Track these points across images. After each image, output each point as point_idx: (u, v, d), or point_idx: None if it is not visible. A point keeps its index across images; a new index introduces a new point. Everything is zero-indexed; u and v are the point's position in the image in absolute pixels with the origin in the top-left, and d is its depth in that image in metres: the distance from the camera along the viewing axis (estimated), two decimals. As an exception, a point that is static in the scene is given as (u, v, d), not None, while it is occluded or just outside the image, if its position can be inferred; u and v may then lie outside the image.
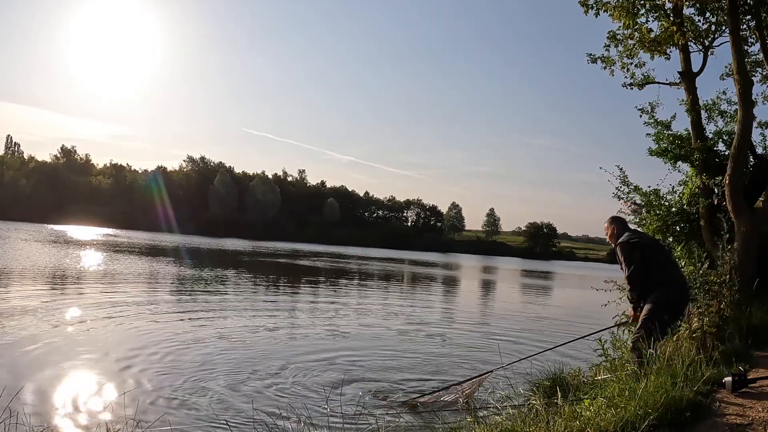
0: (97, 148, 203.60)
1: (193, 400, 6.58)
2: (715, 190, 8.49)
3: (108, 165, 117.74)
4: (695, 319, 5.81)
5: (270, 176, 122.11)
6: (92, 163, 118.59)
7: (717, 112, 9.70)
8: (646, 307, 5.15)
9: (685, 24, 9.33)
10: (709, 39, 9.64)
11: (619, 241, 5.40)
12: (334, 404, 6.14)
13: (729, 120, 9.46)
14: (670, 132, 9.46)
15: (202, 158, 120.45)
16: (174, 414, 6.02)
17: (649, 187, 9.04)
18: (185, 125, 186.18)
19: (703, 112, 9.50)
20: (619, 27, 9.63)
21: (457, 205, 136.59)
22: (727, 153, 8.63)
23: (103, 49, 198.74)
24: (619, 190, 8.98)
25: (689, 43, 9.48)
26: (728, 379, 4.42)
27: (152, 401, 6.44)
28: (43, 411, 5.82)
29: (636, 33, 9.63)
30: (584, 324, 15.72)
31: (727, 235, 6.76)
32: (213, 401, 6.56)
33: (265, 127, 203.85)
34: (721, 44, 9.60)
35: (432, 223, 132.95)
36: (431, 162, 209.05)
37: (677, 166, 9.42)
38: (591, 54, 10.34)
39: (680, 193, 9.24)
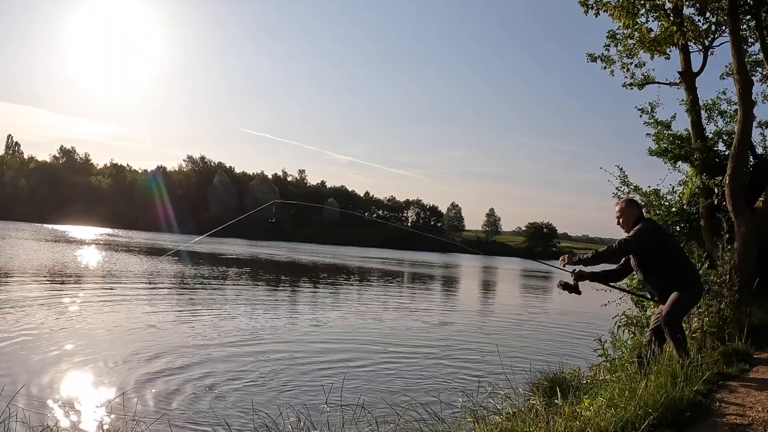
0: (97, 148, 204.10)
1: (193, 400, 6.58)
2: (715, 190, 8.48)
3: (108, 165, 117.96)
4: (695, 319, 5.81)
5: (270, 176, 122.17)
6: (92, 163, 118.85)
7: (717, 112, 9.69)
8: (675, 306, 4.78)
9: (685, 24, 9.32)
10: (709, 39, 9.63)
11: (639, 226, 4.93)
12: (334, 403, 6.14)
13: (729, 120, 9.45)
14: (670, 132, 9.46)
15: (202, 158, 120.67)
16: (174, 413, 6.02)
17: (649, 187, 9.05)
18: (185, 125, 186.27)
19: (703, 112, 9.50)
20: (619, 26, 9.62)
21: (457, 205, 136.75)
22: (727, 153, 8.62)
23: (103, 49, 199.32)
24: (619, 190, 8.98)
25: (689, 43, 9.47)
26: None
27: (152, 401, 6.44)
28: (43, 411, 5.82)
29: (636, 33, 9.62)
30: (584, 324, 15.72)
31: (727, 235, 6.76)
32: (213, 400, 6.56)
33: (264, 128, 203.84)
34: (721, 44, 9.59)
35: (432, 223, 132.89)
36: (430, 162, 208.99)
37: (677, 166, 9.42)
38: (591, 54, 10.33)
39: (680, 193, 9.24)
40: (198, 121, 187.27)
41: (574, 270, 5.05)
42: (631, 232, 4.97)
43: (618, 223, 5.26)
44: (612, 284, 5.49)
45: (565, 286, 5.13)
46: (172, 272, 23.77)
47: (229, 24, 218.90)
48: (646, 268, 5.00)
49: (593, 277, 5.16)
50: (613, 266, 5.36)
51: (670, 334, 4.75)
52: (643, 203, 8.93)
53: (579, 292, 5.13)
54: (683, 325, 5.85)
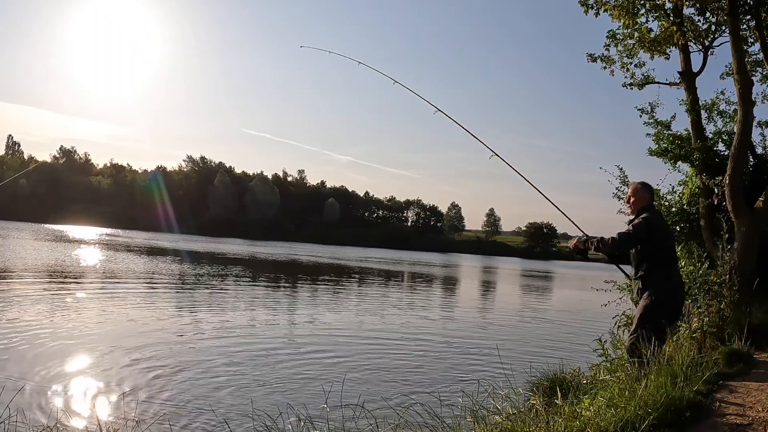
0: (97, 148, 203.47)
1: (192, 400, 6.58)
2: (715, 190, 8.49)
3: (108, 165, 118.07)
4: (695, 319, 5.80)
5: (270, 176, 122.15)
6: (92, 163, 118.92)
7: (717, 112, 9.70)
8: (646, 302, 4.88)
9: (685, 24, 9.33)
10: (709, 39, 9.63)
11: (644, 216, 4.97)
12: (334, 403, 6.13)
13: (729, 120, 9.46)
14: (670, 132, 9.47)
15: (202, 158, 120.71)
16: (173, 414, 6.02)
17: (649, 187, 9.04)
18: (185, 125, 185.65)
19: (703, 112, 9.50)
20: (619, 26, 9.63)
21: (457, 205, 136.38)
22: (727, 153, 8.62)
23: (103, 49, 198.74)
24: (619, 190, 8.98)
25: (689, 43, 9.47)
26: None
27: (152, 401, 6.44)
28: (43, 410, 5.82)
29: (636, 33, 9.63)
30: (584, 324, 15.73)
31: (727, 235, 6.75)
32: (212, 400, 6.56)
33: (264, 128, 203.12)
34: (721, 44, 9.60)
35: (432, 223, 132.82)
36: (430, 162, 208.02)
37: (677, 166, 9.42)
38: (591, 54, 10.34)
39: (680, 193, 9.24)
40: (198, 121, 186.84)
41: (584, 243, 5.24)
42: (632, 225, 4.96)
43: (627, 203, 5.31)
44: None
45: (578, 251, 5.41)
46: (171, 272, 23.76)
47: (229, 24, 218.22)
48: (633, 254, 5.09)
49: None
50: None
51: (629, 357, 4.79)
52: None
53: (587, 259, 5.48)
54: (684, 325, 5.86)
